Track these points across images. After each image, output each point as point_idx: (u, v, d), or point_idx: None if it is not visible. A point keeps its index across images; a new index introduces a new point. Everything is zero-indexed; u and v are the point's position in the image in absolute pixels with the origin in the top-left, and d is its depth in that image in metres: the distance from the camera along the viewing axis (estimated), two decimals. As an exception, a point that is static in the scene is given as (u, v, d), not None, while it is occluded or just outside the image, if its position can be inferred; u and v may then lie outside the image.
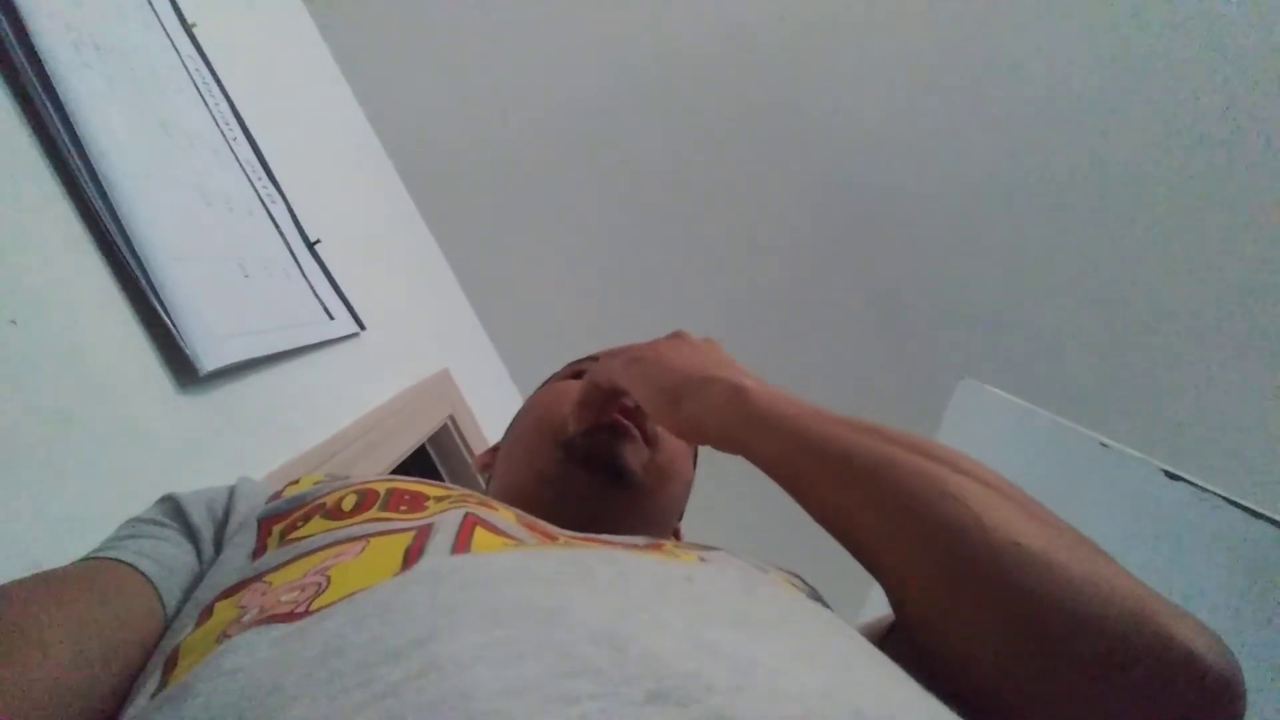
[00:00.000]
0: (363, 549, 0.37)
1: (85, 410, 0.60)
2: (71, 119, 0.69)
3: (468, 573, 0.31)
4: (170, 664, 0.32)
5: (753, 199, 2.07)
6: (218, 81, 1.08)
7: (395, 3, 1.91)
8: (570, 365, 0.77)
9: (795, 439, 0.45)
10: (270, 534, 0.46)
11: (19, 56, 0.67)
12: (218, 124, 1.03)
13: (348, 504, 0.45)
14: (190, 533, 0.48)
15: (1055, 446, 0.98)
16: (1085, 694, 0.33)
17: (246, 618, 0.32)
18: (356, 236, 1.50)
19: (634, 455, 0.61)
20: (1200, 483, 0.74)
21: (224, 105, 1.08)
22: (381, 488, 0.47)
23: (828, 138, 1.99)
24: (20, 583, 0.38)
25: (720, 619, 0.28)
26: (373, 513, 0.43)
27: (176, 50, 0.99)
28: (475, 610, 0.27)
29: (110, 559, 0.42)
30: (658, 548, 0.44)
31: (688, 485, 0.72)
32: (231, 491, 0.53)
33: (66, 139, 0.68)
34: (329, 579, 0.33)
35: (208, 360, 0.74)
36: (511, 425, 0.75)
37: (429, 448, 1.58)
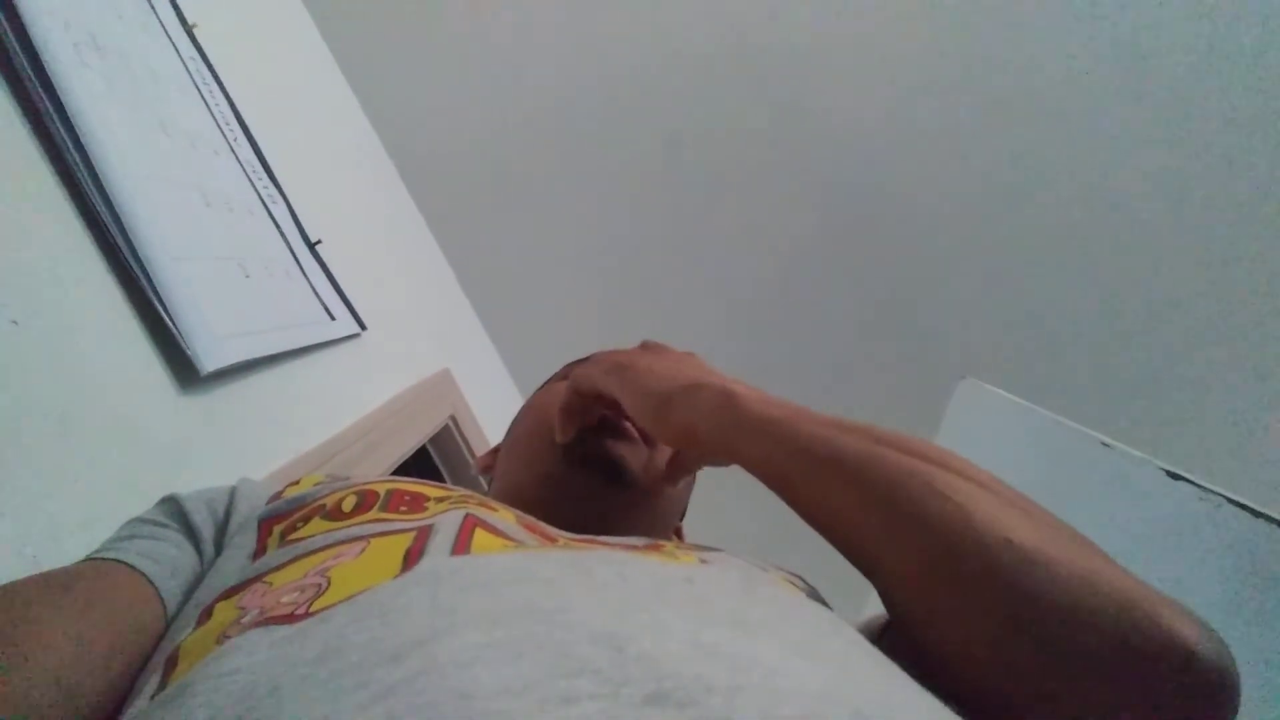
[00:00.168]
0: (363, 550, 0.37)
1: (86, 410, 0.60)
2: (72, 119, 0.69)
3: (467, 574, 0.31)
4: (170, 664, 0.32)
5: (753, 199, 2.07)
6: (218, 82, 1.08)
7: (396, 3, 1.91)
8: (569, 366, 0.77)
9: (785, 442, 0.46)
10: (270, 535, 0.46)
11: (19, 56, 0.67)
12: (218, 124, 1.03)
13: (348, 505, 0.45)
14: (191, 533, 0.48)
15: (1056, 446, 0.98)
16: (1081, 688, 0.33)
17: (246, 619, 0.32)
18: (357, 236, 1.50)
19: (633, 456, 0.61)
20: (1202, 482, 0.74)
21: (224, 105, 1.08)
22: (381, 489, 0.47)
23: (828, 137, 1.99)
24: (21, 583, 0.38)
25: (720, 619, 0.28)
26: (373, 513, 0.43)
27: (177, 50, 0.99)
28: (475, 611, 0.27)
29: (111, 559, 0.42)
30: (657, 548, 0.44)
31: (688, 486, 0.72)
32: (232, 492, 0.54)
33: (67, 139, 0.68)
34: (329, 580, 0.33)
35: (209, 360, 0.74)
36: (511, 427, 0.75)
37: (430, 448, 1.58)
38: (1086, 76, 1.83)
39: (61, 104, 0.69)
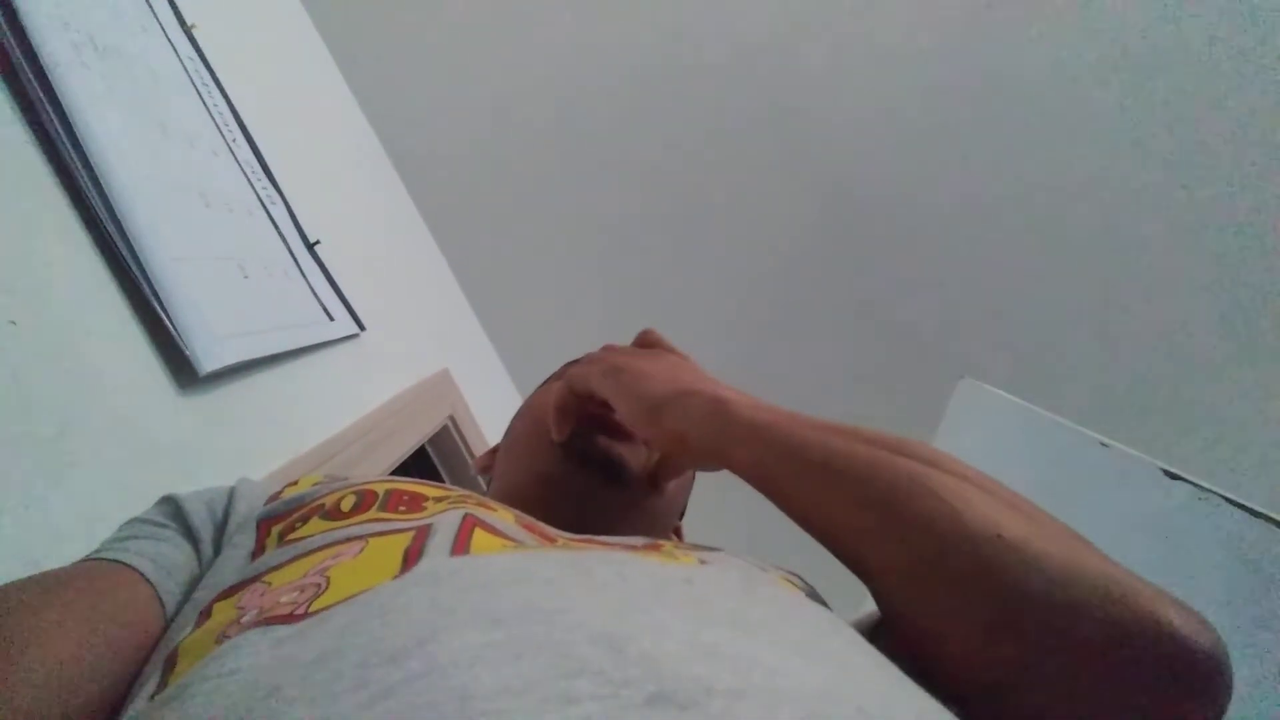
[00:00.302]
0: (361, 549, 0.37)
1: (85, 411, 0.60)
2: (71, 120, 0.69)
3: (467, 574, 0.31)
4: (170, 664, 0.32)
5: (752, 200, 2.07)
6: (217, 82, 1.08)
7: (394, 3, 1.91)
8: (567, 365, 0.77)
9: (775, 446, 0.46)
10: (269, 535, 0.46)
11: (18, 57, 0.67)
12: (217, 125, 1.03)
13: (346, 504, 0.45)
14: (190, 534, 0.48)
15: (1055, 446, 0.98)
16: (1073, 679, 0.33)
17: (245, 618, 0.32)
18: (356, 237, 1.50)
19: (632, 455, 0.61)
20: (1200, 482, 0.74)
21: (223, 106, 1.08)
22: (380, 488, 0.47)
23: (827, 138, 1.99)
24: (20, 583, 0.38)
25: (720, 620, 0.28)
26: (371, 513, 0.43)
27: (176, 51, 0.99)
28: (474, 612, 0.26)
29: (110, 560, 0.42)
30: (656, 548, 0.44)
31: (687, 486, 0.72)
32: (231, 492, 0.53)
33: (66, 140, 0.68)
34: (328, 580, 0.33)
35: (207, 361, 0.74)
36: (510, 427, 0.75)
37: (429, 448, 1.58)
38: (1087, 78, 1.83)
39: (60, 104, 0.69)
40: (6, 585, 0.37)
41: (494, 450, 0.78)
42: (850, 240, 2.08)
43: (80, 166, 0.69)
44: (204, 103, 1.02)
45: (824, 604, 0.41)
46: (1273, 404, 1.92)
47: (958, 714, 0.28)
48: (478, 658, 0.23)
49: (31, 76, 0.67)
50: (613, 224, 2.13)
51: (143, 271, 0.70)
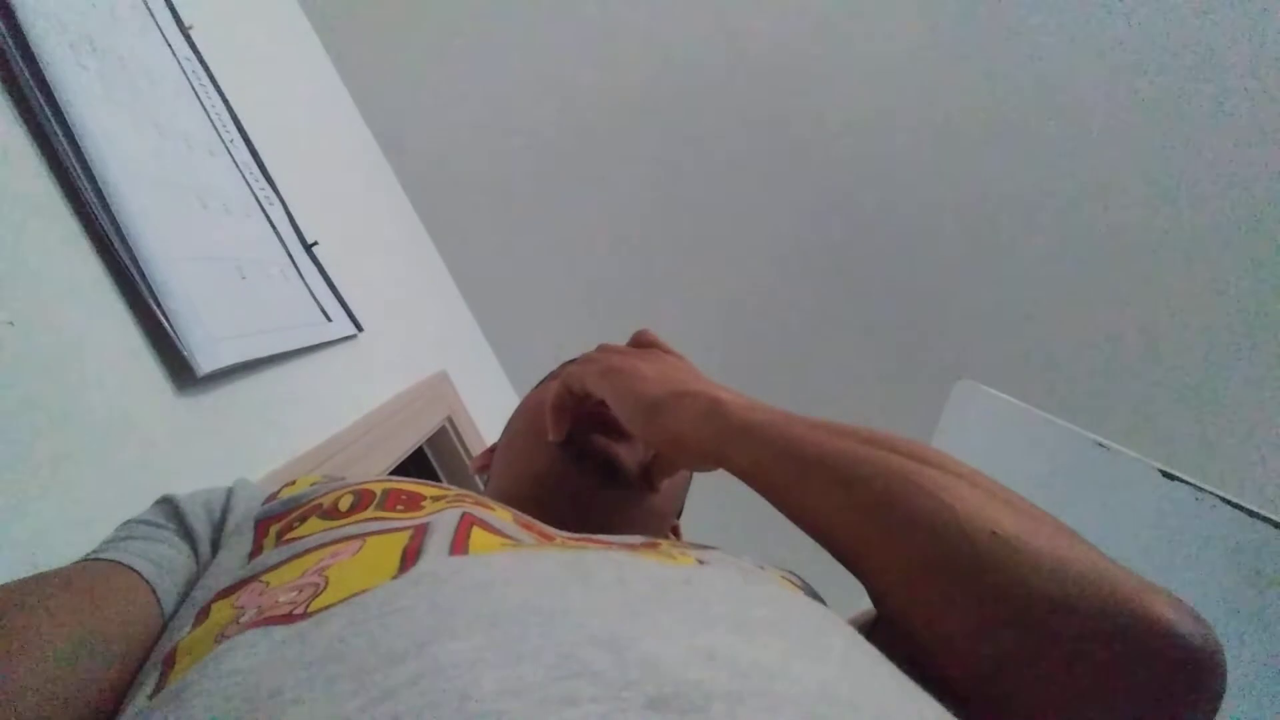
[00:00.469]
0: (359, 548, 0.37)
1: (82, 412, 0.60)
2: (68, 120, 0.69)
3: (466, 574, 0.31)
4: (168, 664, 0.32)
5: (750, 202, 2.07)
6: (214, 83, 1.08)
7: (392, 5, 1.91)
8: (564, 365, 0.77)
9: (771, 447, 0.46)
10: (267, 535, 0.46)
11: (15, 57, 0.66)
12: (214, 125, 1.03)
13: (344, 504, 0.45)
14: (187, 534, 0.48)
15: (1052, 447, 0.98)
16: (1069, 675, 0.33)
17: (244, 618, 0.32)
18: (354, 238, 1.50)
19: (629, 455, 0.61)
20: (1197, 483, 0.74)
21: (220, 107, 1.07)
22: (378, 488, 0.47)
23: (825, 141, 1.99)
24: (17, 584, 0.38)
25: (719, 622, 0.28)
26: (369, 512, 0.43)
27: (173, 52, 0.99)
28: (474, 612, 0.27)
29: (107, 560, 0.42)
30: (654, 547, 0.44)
31: (684, 485, 0.72)
32: (229, 493, 0.54)
33: (63, 140, 0.68)
34: (327, 580, 0.33)
35: (205, 362, 0.74)
36: (507, 426, 0.75)
37: (427, 449, 1.58)
38: (1085, 80, 1.83)
39: (58, 105, 0.69)
40: (4, 585, 0.37)
41: (491, 450, 0.78)
42: (847, 242, 2.08)
43: (77, 167, 0.68)
44: (201, 103, 1.02)
45: (821, 602, 0.41)
46: (1271, 405, 1.93)
47: (956, 713, 0.28)
48: (478, 659, 0.23)
49: (29, 77, 0.67)
50: (611, 226, 2.13)
51: (140, 272, 0.70)
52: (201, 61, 1.07)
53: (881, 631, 0.42)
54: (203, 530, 0.49)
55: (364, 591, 0.30)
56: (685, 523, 0.77)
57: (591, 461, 0.60)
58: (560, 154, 2.06)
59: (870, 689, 0.26)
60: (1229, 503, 0.69)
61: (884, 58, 1.90)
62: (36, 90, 0.67)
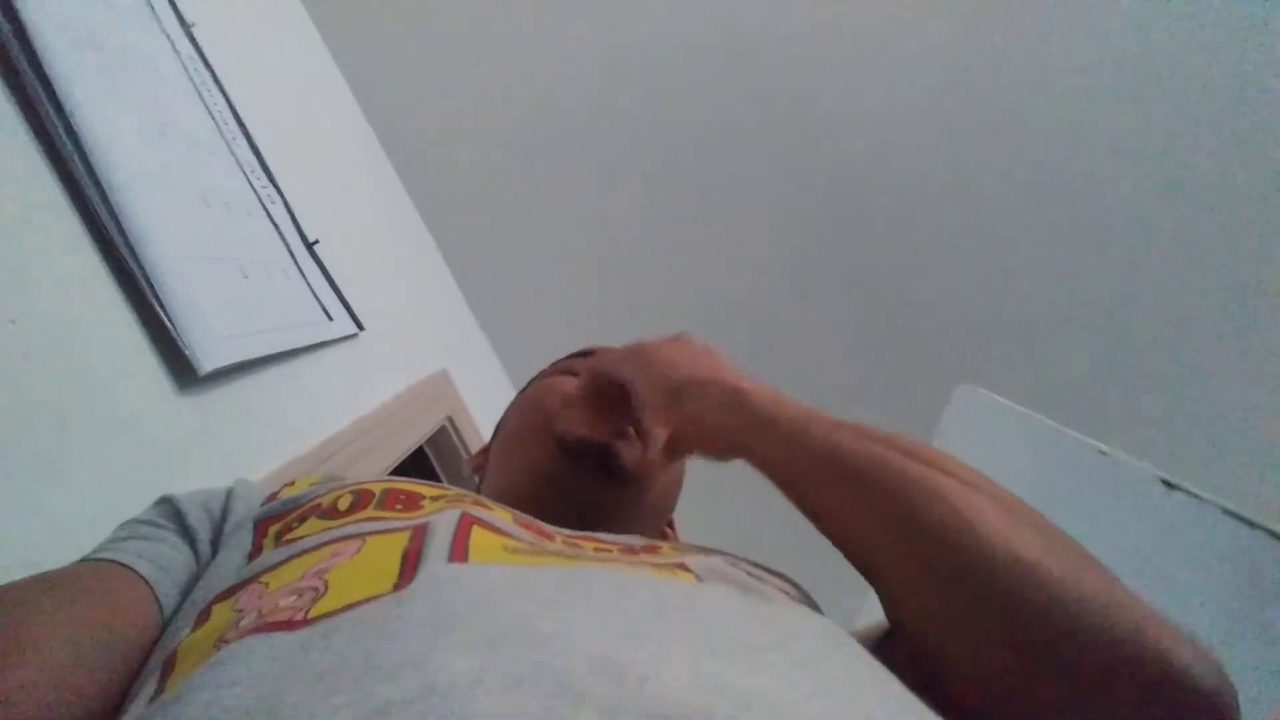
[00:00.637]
0: (359, 548, 0.37)
1: (84, 410, 0.60)
2: (71, 118, 0.69)
3: (466, 585, 0.31)
4: (168, 667, 0.32)
5: (751, 204, 2.07)
6: (216, 81, 1.08)
7: (394, 4, 1.91)
8: (555, 364, 0.77)
9: (793, 442, 0.46)
10: (266, 535, 0.46)
11: (18, 54, 0.66)
12: (216, 124, 1.03)
13: (343, 504, 0.45)
14: (187, 534, 0.48)
15: (1053, 453, 0.98)
16: (1077, 706, 0.33)
17: (244, 622, 0.32)
18: (355, 237, 1.50)
19: (628, 450, 0.61)
20: (1198, 491, 0.74)
21: (223, 105, 1.07)
22: (377, 488, 0.47)
23: (827, 142, 1.99)
24: (17, 584, 0.38)
25: (720, 646, 0.28)
26: (368, 511, 0.43)
27: (175, 50, 0.99)
28: (473, 629, 0.27)
29: (107, 560, 0.42)
30: (654, 549, 0.44)
31: (679, 482, 0.72)
32: (228, 493, 0.54)
33: (66, 139, 0.68)
34: (326, 584, 0.33)
35: (207, 361, 0.74)
36: (500, 425, 0.75)
37: (427, 449, 1.58)
38: (1087, 84, 1.83)
39: (60, 103, 0.68)
40: (4, 586, 0.37)
41: (485, 450, 0.78)
42: (849, 244, 2.08)
43: (80, 165, 0.68)
44: (203, 102, 1.02)
45: (819, 610, 0.41)
46: (1272, 413, 1.92)
47: None
48: (477, 682, 0.23)
49: (31, 75, 0.67)
50: (612, 226, 2.13)
51: (142, 271, 0.70)
52: (204, 59, 1.07)
53: (893, 642, 0.42)
54: (202, 530, 0.49)
55: (366, 601, 0.30)
56: (686, 524, 0.77)
57: (589, 458, 0.60)
58: (562, 153, 2.06)
59: (873, 714, 0.26)
60: (1229, 512, 0.69)
61: (889, 61, 1.90)
62: (39, 88, 0.67)
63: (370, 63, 1.92)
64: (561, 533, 0.47)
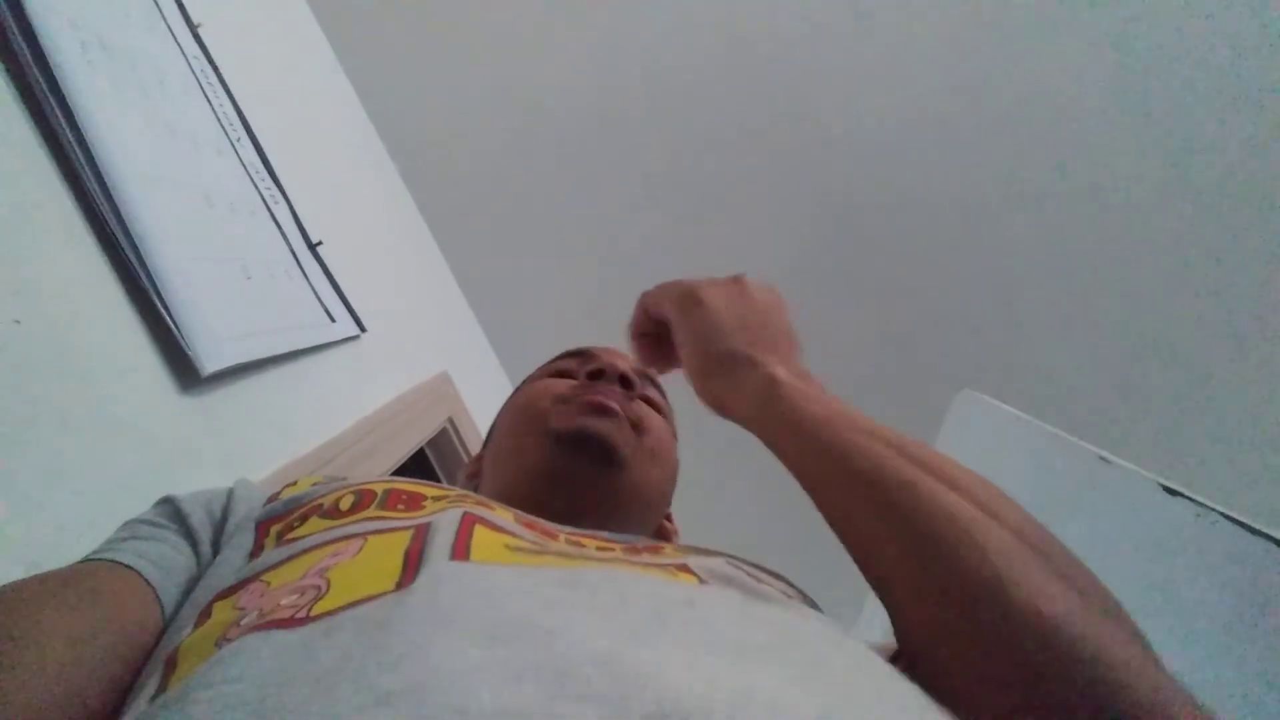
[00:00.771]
0: (360, 547, 0.37)
1: (86, 410, 0.60)
2: (77, 118, 0.69)
3: (467, 581, 0.31)
4: (170, 666, 0.32)
5: (753, 208, 2.07)
6: (222, 82, 1.08)
7: (400, 6, 1.91)
8: (543, 367, 0.77)
9: (819, 445, 0.44)
10: (268, 535, 0.46)
11: (25, 55, 0.67)
12: (222, 125, 1.03)
13: (345, 504, 0.45)
14: (188, 534, 0.48)
15: (1053, 460, 0.98)
16: None
17: (246, 620, 0.32)
18: (358, 238, 1.50)
19: (620, 434, 0.61)
20: (1199, 499, 0.74)
21: (228, 105, 1.08)
22: (379, 488, 0.47)
23: (828, 147, 1.99)
24: (19, 584, 0.38)
25: (720, 647, 0.28)
26: (370, 511, 0.43)
27: (182, 50, 0.99)
28: (474, 623, 0.27)
29: (108, 560, 0.42)
30: (657, 550, 0.44)
31: (674, 468, 0.72)
32: (229, 493, 0.54)
33: (71, 138, 0.68)
34: (328, 582, 0.33)
35: (209, 362, 0.74)
36: (491, 431, 0.75)
37: (428, 451, 1.58)
38: (1089, 91, 1.83)
39: (67, 103, 0.69)
40: (5, 586, 0.37)
41: (479, 458, 0.77)
42: (850, 248, 2.08)
43: (86, 165, 0.69)
44: (209, 102, 1.02)
45: (819, 610, 0.41)
46: (1273, 420, 1.92)
47: None
48: (478, 675, 0.23)
49: (38, 74, 0.67)
50: (613, 228, 2.13)
51: (146, 271, 0.71)
52: (210, 60, 1.07)
53: (900, 663, 0.41)
54: (203, 530, 0.49)
55: (368, 599, 0.30)
56: (684, 524, 0.77)
57: (584, 446, 0.59)
58: (564, 156, 2.06)
59: (872, 714, 0.26)
60: (1230, 519, 0.68)
61: (883, 66, 1.90)
62: (46, 88, 0.68)
63: (374, 65, 1.93)
64: (564, 531, 0.47)
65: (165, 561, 0.44)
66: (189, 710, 0.25)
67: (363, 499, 0.45)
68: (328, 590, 0.32)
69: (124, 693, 0.36)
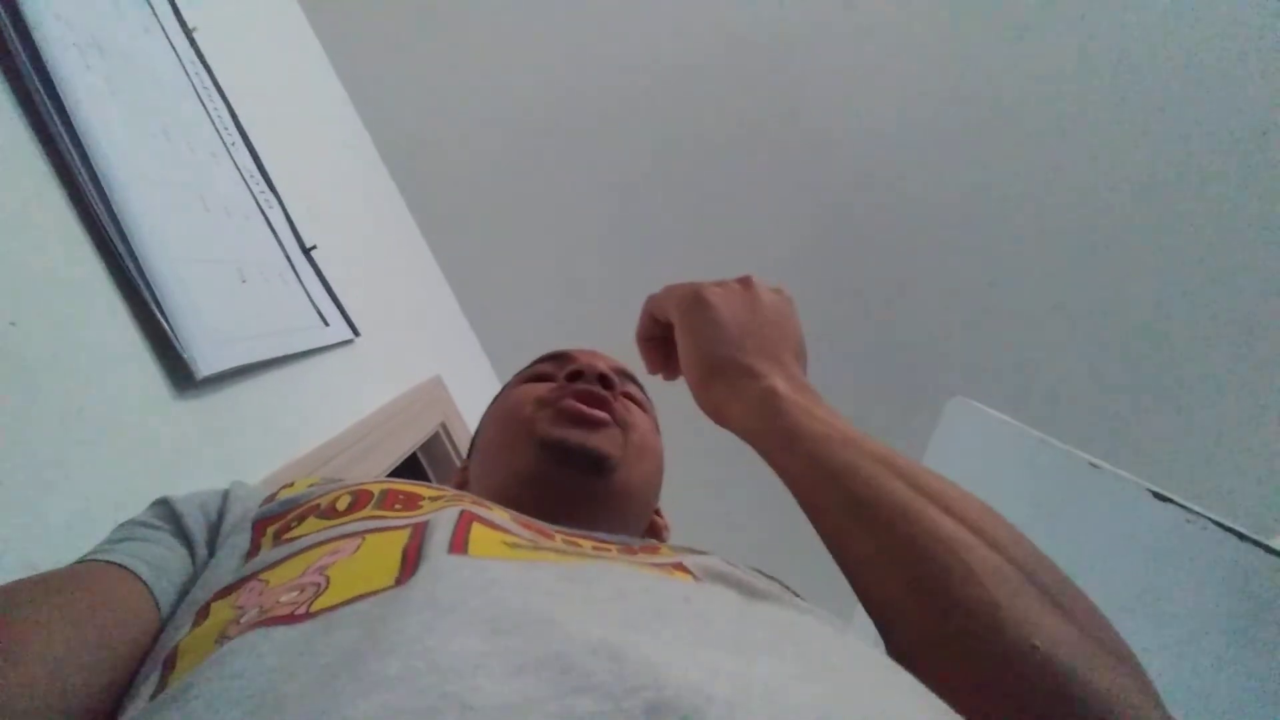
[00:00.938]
0: (359, 546, 0.37)
1: (82, 413, 0.60)
2: (73, 121, 0.69)
3: (467, 573, 0.31)
4: (169, 665, 0.32)
5: (745, 213, 2.08)
6: (217, 86, 1.08)
7: (393, 11, 1.91)
8: (520, 373, 0.77)
9: (815, 463, 0.45)
10: (264, 535, 0.46)
11: (21, 57, 0.67)
12: (216, 128, 1.03)
13: (342, 504, 0.45)
14: (184, 535, 0.48)
15: (1044, 466, 0.98)
16: None
17: (245, 618, 0.32)
18: (352, 242, 1.50)
19: (609, 442, 0.61)
20: (1188, 505, 0.74)
21: (223, 109, 1.08)
22: (376, 488, 0.47)
23: (821, 153, 2.00)
24: (15, 585, 0.37)
25: (718, 640, 0.28)
26: (367, 511, 0.43)
27: (177, 54, 0.99)
28: (473, 613, 0.27)
29: (104, 561, 0.42)
30: (653, 549, 0.44)
31: (661, 462, 0.72)
32: (225, 495, 0.53)
33: (68, 141, 0.68)
34: (328, 579, 0.33)
35: (204, 365, 0.74)
36: (475, 439, 0.75)
37: (420, 455, 1.58)
38: (1084, 97, 1.85)
39: (63, 105, 0.69)
40: (2, 586, 0.37)
41: (464, 468, 0.77)
42: (842, 256, 2.09)
43: (81, 168, 0.69)
44: (204, 106, 1.02)
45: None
46: (1265, 428, 1.94)
47: None
48: (478, 666, 0.23)
49: (34, 77, 0.67)
50: (607, 233, 2.14)
51: (142, 274, 0.70)
52: (204, 64, 1.07)
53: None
54: (199, 532, 0.49)
55: (368, 595, 0.30)
56: (683, 523, 0.77)
57: (573, 456, 0.59)
58: (558, 161, 2.07)
59: (872, 705, 0.26)
60: (1220, 525, 0.69)
61: (879, 71, 1.91)
62: (42, 91, 0.68)
63: (368, 70, 1.93)
64: (560, 531, 0.47)
65: (161, 562, 0.44)
66: (190, 706, 0.25)
67: (360, 499, 0.45)
68: (327, 587, 0.32)
69: (120, 694, 0.36)
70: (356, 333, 1.23)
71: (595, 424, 0.62)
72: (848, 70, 1.92)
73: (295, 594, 0.32)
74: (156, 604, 0.41)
